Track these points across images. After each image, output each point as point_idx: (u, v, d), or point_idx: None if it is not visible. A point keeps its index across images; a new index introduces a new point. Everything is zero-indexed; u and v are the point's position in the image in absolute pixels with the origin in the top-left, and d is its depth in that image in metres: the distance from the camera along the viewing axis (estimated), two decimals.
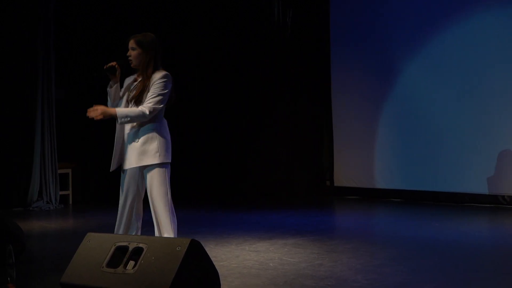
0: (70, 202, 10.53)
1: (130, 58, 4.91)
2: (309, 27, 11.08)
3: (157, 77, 4.85)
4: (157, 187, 4.83)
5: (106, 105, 4.94)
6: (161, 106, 4.83)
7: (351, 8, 10.76)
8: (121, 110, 4.77)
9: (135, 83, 4.95)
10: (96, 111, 4.76)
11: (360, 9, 10.64)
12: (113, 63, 4.89)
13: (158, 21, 11.24)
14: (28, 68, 9.86)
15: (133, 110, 4.78)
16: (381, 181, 10.33)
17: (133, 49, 4.89)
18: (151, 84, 4.83)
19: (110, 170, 4.98)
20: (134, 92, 4.87)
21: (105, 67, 4.88)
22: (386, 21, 10.25)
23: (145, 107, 4.77)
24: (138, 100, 4.83)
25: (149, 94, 4.81)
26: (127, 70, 5.04)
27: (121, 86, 5.04)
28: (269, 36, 11.29)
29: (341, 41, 10.86)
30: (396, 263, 5.32)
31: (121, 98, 4.98)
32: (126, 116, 4.76)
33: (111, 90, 4.93)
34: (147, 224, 5.11)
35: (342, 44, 10.84)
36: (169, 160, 4.92)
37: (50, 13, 9.99)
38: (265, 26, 11.30)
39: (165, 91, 4.85)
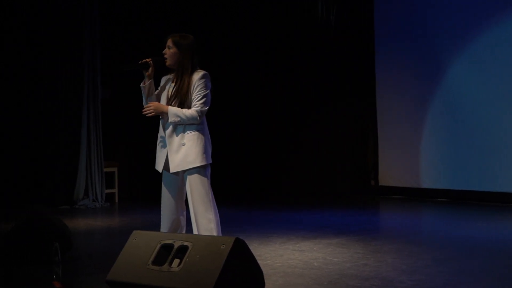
0: (116, 200, 10.66)
1: (165, 56, 4.94)
2: (353, 25, 11.01)
3: (197, 77, 4.88)
4: (197, 188, 4.86)
5: (141, 102, 5.01)
6: (207, 108, 4.89)
7: (395, 6, 10.66)
8: (173, 109, 4.82)
9: (173, 84, 4.99)
10: (149, 108, 4.84)
11: (405, 7, 10.53)
12: (148, 59, 4.93)
13: (202, 20, 11.31)
14: (74, 69, 10.00)
15: (184, 111, 4.82)
16: (427, 180, 10.22)
17: (169, 47, 4.93)
18: (192, 85, 4.87)
19: (160, 171, 5.03)
20: (175, 93, 4.90)
21: (139, 62, 4.92)
22: (432, 19, 10.13)
23: (196, 110, 4.83)
24: (181, 102, 4.87)
25: (194, 96, 4.86)
26: (163, 68, 5.07)
27: (158, 84, 5.09)
28: (313, 34, 11.25)
29: (386, 39, 10.77)
30: (442, 264, 5.26)
31: (158, 96, 5.02)
32: (178, 116, 4.82)
33: (145, 86, 4.95)
34: (191, 223, 5.14)
35: (387, 43, 10.75)
36: (211, 161, 4.97)
37: (96, 13, 10.13)
38: (309, 24, 11.27)
39: (207, 91, 4.90)
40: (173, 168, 4.88)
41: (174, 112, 4.82)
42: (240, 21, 11.85)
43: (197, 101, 4.85)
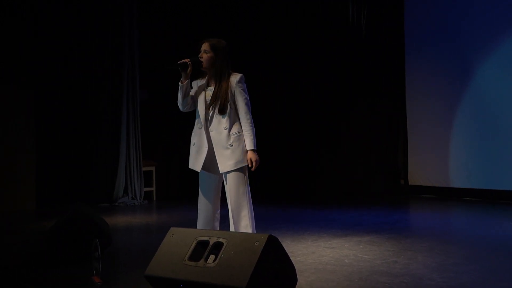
0: (154, 198, 10.73)
1: (201, 59, 4.98)
2: (383, 28, 10.95)
3: (235, 80, 4.95)
4: (237, 187, 4.91)
5: (176, 99, 5.10)
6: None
7: (425, 9, 10.57)
8: (251, 144, 4.94)
9: (210, 87, 5.03)
10: (256, 165, 4.96)
11: (434, 10, 10.44)
12: (186, 60, 4.97)
13: (235, 24, 11.34)
14: (114, 72, 10.10)
15: (249, 132, 4.95)
16: (456, 180, 10.11)
17: (206, 52, 4.98)
18: (230, 88, 4.92)
19: (198, 171, 5.06)
20: (215, 97, 4.95)
21: (178, 62, 4.97)
22: (460, 22, 10.02)
23: (248, 118, 4.96)
24: (220, 104, 4.91)
25: (240, 103, 4.94)
26: (197, 71, 5.10)
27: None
28: (345, 38, 11.23)
29: (416, 42, 10.69)
30: (471, 262, 5.19)
31: (194, 98, 5.08)
32: (253, 139, 4.97)
33: (183, 85, 5.01)
34: (226, 219, 5.16)
35: (417, 45, 10.67)
36: None
37: (135, 18, 10.21)
38: (341, 28, 11.26)
39: (247, 94, 4.97)
40: (223, 169, 4.92)
41: (254, 143, 4.96)
42: (273, 26, 11.86)
43: (244, 109, 4.95)
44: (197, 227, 5.06)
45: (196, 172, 5.12)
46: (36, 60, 9.82)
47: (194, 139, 5.08)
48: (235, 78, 4.96)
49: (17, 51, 9.62)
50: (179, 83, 5.01)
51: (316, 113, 11.77)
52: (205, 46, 4.99)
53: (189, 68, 4.97)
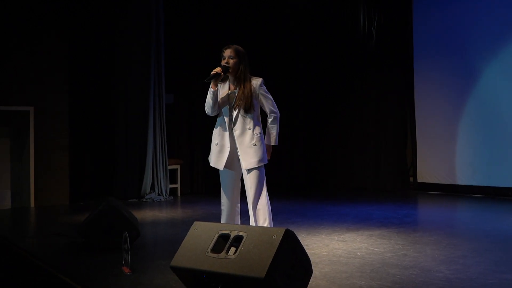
0: (179, 194, 10.74)
1: (228, 65, 4.97)
2: (393, 34, 10.90)
3: (257, 84, 5.01)
4: (256, 183, 4.96)
5: (202, 104, 5.20)
6: None
7: (432, 15, 10.49)
8: (274, 140, 5.12)
9: (233, 90, 5.06)
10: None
11: (441, 16, 10.35)
12: (219, 70, 4.96)
13: (252, 32, 11.34)
14: (142, 77, 10.12)
15: (275, 129, 5.09)
16: (462, 177, 10.02)
17: (231, 57, 4.98)
18: (255, 90, 4.97)
19: (221, 169, 5.07)
20: (239, 99, 4.96)
21: (212, 74, 4.96)
22: (466, 27, 9.93)
23: (276, 117, 5.09)
24: (244, 106, 4.92)
25: (266, 102, 5.03)
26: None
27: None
28: (357, 44, 11.24)
29: (424, 46, 10.60)
30: (478, 255, 5.13)
31: (219, 102, 5.07)
32: (277, 134, 5.13)
33: (215, 91, 5.02)
34: (245, 214, 5.15)
35: (425, 48, 10.58)
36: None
37: (161, 26, 10.23)
38: (353, 35, 11.28)
39: (270, 95, 5.09)
40: (246, 166, 4.97)
41: (276, 139, 5.13)
42: (289, 34, 11.88)
43: (271, 106, 5.05)
44: (221, 221, 5.09)
45: (217, 170, 5.13)
46: (71, 67, 9.88)
47: (216, 140, 5.10)
48: (256, 82, 4.99)
49: (55, 59, 9.68)
50: (211, 90, 5.00)
51: (329, 113, 11.78)
52: (230, 52, 5.00)
53: (221, 76, 4.98)
